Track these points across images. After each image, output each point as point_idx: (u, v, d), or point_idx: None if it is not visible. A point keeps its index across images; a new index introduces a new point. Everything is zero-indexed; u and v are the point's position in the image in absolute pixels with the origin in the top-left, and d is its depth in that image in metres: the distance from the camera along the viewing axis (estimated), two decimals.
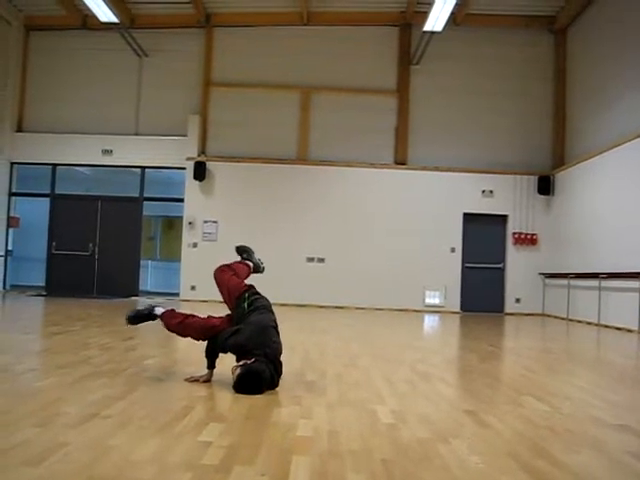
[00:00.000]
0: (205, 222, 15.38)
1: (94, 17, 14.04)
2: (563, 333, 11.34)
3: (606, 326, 12.08)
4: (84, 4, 13.46)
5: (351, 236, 15.28)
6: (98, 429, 3.13)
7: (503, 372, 6.22)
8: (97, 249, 15.99)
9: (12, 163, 16.08)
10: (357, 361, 5.97)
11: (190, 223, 15.44)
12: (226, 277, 5.09)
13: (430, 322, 12.77)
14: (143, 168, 16.06)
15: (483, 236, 15.48)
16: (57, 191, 16.18)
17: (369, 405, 3.95)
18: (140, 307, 5.14)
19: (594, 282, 12.70)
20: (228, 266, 5.23)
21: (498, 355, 7.47)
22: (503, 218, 15.54)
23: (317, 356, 6.20)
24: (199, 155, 15.55)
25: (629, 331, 11.15)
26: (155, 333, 7.40)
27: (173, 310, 5.02)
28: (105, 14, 13.64)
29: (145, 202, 16.22)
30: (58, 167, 16.18)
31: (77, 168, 16.49)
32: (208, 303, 14.39)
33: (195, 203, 15.47)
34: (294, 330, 8.64)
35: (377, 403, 4.02)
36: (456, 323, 12.52)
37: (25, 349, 6.12)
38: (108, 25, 14.39)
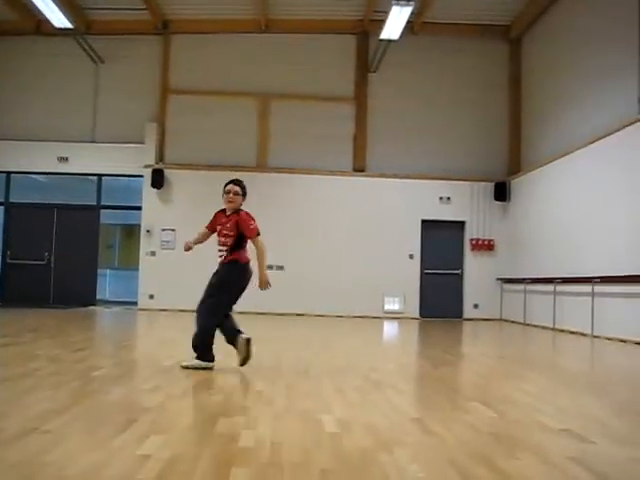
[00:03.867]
0: (163, 230, 15.24)
1: (48, 22, 13.81)
2: (519, 338, 11.48)
3: (561, 330, 12.27)
4: (37, 9, 13.25)
5: (310, 243, 15.27)
6: (34, 445, 3.06)
7: (455, 379, 6.26)
8: (53, 258, 15.72)
9: None
10: (310, 370, 5.95)
11: (148, 231, 15.29)
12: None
13: (388, 329, 12.82)
14: (100, 176, 15.87)
15: (441, 242, 15.62)
16: (11, 199, 15.88)
17: (316, 415, 3.94)
18: None
19: (549, 287, 12.90)
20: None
21: (452, 361, 7.52)
22: (461, 224, 15.71)
23: (269, 365, 6.16)
24: (157, 163, 15.43)
25: (583, 335, 11.34)
26: (108, 344, 7.29)
27: None
28: (59, 19, 13.44)
29: (103, 210, 16.03)
30: (12, 175, 15.89)
31: (32, 176, 16.21)
32: (167, 312, 14.27)
33: (153, 211, 15.33)
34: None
35: (324, 412, 4.00)
36: (414, 329, 12.60)
37: None
38: (63, 31, 14.17)
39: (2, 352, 6.66)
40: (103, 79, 15.92)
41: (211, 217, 5.99)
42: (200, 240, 6.02)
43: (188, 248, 5.93)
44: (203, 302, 5.68)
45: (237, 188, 5.82)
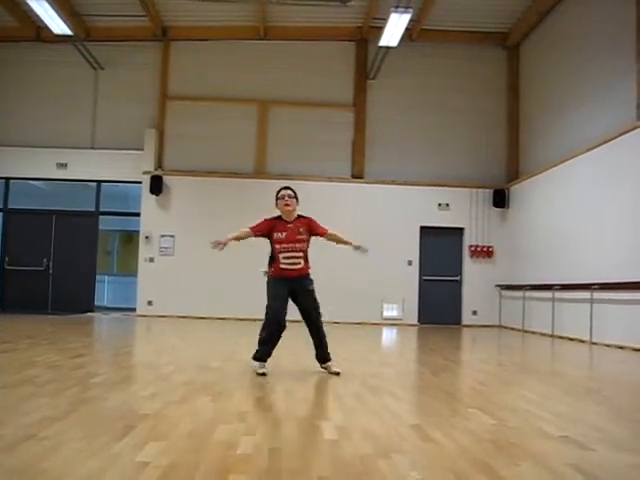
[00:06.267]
0: (162, 236, 15.23)
1: (48, 29, 13.83)
2: (517, 345, 11.46)
3: (560, 337, 12.26)
4: (37, 16, 13.27)
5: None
6: (32, 452, 3.05)
7: (454, 385, 6.25)
8: (52, 264, 15.70)
9: None
10: (308, 376, 5.95)
11: (147, 237, 15.27)
12: None
13: (387, 335, 12.80)
14: (99, 182, 15.86)
15: (440, 249, 15.62)
16: (10, 205, 15.87)
17: (314, 421, 3.93)
18: None
19: (548, 294, 12.89)
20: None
21: (451, 368, 7.51)
22: (459, 231, 15.72)
23: (268, 371, 6.14)
24: (156, 169, 15.43)
25: (581, 341, 11.33)
26: (106, 350, 7.28)
27: None
28: (59, 26, 13.45)
29: (101, 216, 16.02)
30: (11, 181, 15.88)
31: (31, 182, 16.20)
32: (166, 318, 14.24)
33: (152, 217, 15.32)
34: (246, 346, 8.54)
35: (323, 419, 3.99)
36: (413, 336, 12.58)
37: None
38: (62, 38, 14.20)
39: (0, 359, 6.63)
40: (102, 85, 15.94)
41: (258, 221, 6.16)
42: (240, 237, 6.00)
43: (219, 245, 5.84)
44: (318, 311, 6.48)
45: (290, 192, 6.11)
